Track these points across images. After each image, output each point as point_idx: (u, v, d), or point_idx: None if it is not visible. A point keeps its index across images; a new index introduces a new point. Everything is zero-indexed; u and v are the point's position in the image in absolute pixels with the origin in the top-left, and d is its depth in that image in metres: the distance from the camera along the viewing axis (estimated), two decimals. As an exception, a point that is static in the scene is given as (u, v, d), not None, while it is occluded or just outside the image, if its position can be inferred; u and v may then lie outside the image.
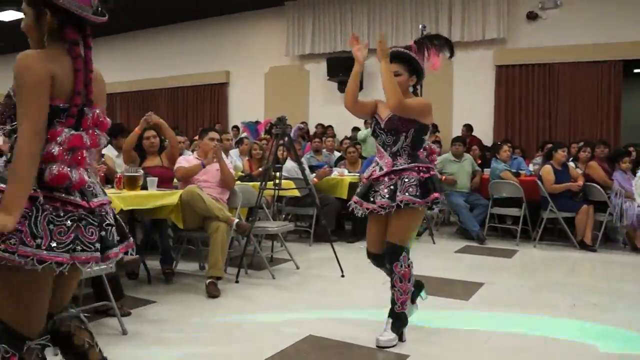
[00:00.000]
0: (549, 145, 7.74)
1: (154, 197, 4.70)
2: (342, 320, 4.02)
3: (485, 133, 11.18)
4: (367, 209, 3.53)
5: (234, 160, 7.30)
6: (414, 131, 3.43)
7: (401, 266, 3.46)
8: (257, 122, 12.47)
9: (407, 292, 3.49)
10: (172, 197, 4.77)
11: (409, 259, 3.50)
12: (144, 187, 4.82)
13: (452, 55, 3.70)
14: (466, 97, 11.53)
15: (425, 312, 4.18)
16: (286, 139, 5.58)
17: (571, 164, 7.40)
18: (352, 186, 7.31)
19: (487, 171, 7.91)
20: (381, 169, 3.51)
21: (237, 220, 4.85)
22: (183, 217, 4.86)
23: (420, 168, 3.44)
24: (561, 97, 10.76)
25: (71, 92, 1.95)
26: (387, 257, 3.53)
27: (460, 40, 11.29)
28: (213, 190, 5.15)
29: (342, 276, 5.27)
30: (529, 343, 3.57)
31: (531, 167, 8.58)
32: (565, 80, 10.69)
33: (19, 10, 13.24)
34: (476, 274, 5.52)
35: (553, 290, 4.95)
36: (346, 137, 10.82)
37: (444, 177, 7.66)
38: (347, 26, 12.53)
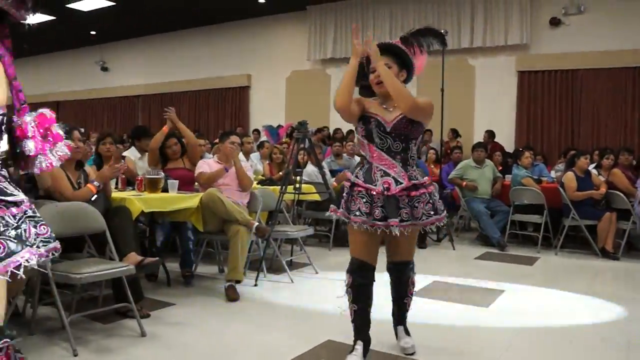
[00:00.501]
0: (572, 152, 7.65)
1: (175, 199, 4.74)
2: (360, 326, 3.99)
3: (507, 139, 11.11)
4: (387, 226, 3.01)
5: (255, 163, 7.33)
6: (417, 135, 3.17)
7: (414, 275, 3.44)
8: (278, 127, 12.50)
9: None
10: (192, 200, 4.80)
11: None
12: (165, 190, 4.86)
13: (444, 46, 3.49)
14: (488, 103, 11.47)
15: (445, 319, 4.17)
16: (307, 143, 5.59)
17: (594, 171, 7.31)
18: (373, 191, 7.30)
19: (508, 177, 7.85)
20: (397, 182, 3.06)
21: (257, 223, 4.86)
22: (203, 220, 4.89)
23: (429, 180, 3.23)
24: (584, 104, 10.67)
25: None
26: (403, 273, 3.39)
27: (482, 45, 11.28)
28: (233, 194, 5.17)
29: (361, 281, 5.24)
30: (551, 352, 3.54)
31: (553, 174, 8.50)
32: (588, 87, 10.61)
33: (43, 13, 13.49)
34: (497, 281, 5.47)
35: (574, 298, 4.90)
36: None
37: (464, 183, 7.64)
38: (369, 31, 12.51)
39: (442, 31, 8.01)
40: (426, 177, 3.21)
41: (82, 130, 4.52)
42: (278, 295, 4.84)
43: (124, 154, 5.86)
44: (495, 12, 11.20)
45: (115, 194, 4.52)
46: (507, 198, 7.54)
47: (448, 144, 10.44)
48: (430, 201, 3.10)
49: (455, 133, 11.16)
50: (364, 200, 3.05)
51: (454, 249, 7.18)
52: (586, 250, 7.02)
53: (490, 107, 11.44)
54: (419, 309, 4.41)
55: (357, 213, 3.04)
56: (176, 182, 4.94)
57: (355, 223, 3.04)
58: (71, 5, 12.98)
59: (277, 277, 5.44)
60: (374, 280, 3.20)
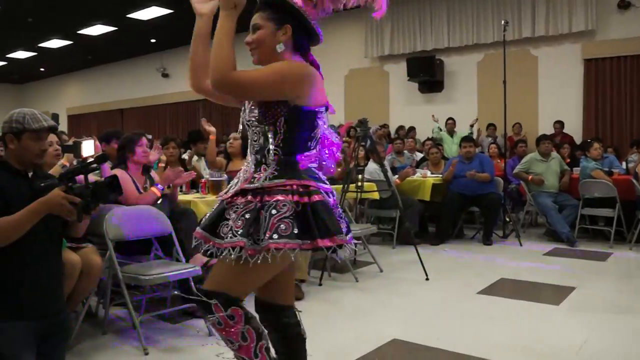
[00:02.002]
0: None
1: (238, 201, 4.79)
2: (427, 324, 3.95)
3: (573, 131, 10.74)
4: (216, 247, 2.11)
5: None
6: (284, 120, 2.08)
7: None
8: (339, 125, 12.52)
9: None
10: (255, 201, 4.84)
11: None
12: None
13: None
14: (552, 94, 11.12)
15: (514, 317, 4.07)
16: (368, 141, 5.57)
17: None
18: (435, 187, 7.24)
19: (576, 170, 7.61)
20: (236, 184, 2.18)
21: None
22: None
23: (294, 187, 2.05)
24: (656, 91, 10.20)
25: None
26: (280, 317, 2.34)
27: (545, 34, 10.96)
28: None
29: (427, 279, 5.19)
30: (626, 352, 3.40)
31: (625, 166, 8.18)
32: (660, 73, 10.13)
33: (106, 24, 13.95)
34: (567, 277, 5.30)
35: (651, 294, 4.70)
36: (428, 138, 10.70)
37: (530, 177, 7.45)
38: (426, 25, 12.41)
39: (502, 22, 7.90)
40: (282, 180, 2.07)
41: (150, 136, 4.65)
42: (342, 294, 4.83)
43: (184, 156, 6.00)
44: (558, -1, 10.84)
45: (181, 197, 4.65)
46: (576, 192, 7.29)
47: (512, 138, 10.21)
48: (245, 217, 2.03)
49: (517, 127, 10.89)
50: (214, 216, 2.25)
51: (521, 245, 7.00)
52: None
53: (555, 98, 11.08)
54: (487, 307, 4.34)
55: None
56: (239, 183, 4.98)
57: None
58: (131, 15, 13.37)
59: (342, 276, 5.44)
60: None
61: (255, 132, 2.14)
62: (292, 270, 2.37)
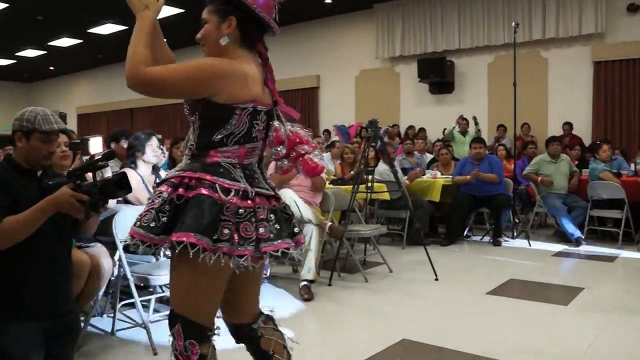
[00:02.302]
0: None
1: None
2: (436, 324, 3.99)
3: (583, 133, 10.75)
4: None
5: (326, 164, 7.39)
6: (198, 115, 2.05)
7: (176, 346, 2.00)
8: (350, 126, 12.57)
9: None
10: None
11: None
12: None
13: None
14: (562, 96, 11.13)
15: (523, 318, 4.10)
16: (378, 142, 5.60)
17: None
18: (445, 188, 7.27)
19: (585, 172, 7.62)
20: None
21: (330, 223, 4.91)
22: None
23: (185, 181, 1.96)
24: (665, 93, 10.21)
25: None
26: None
27: (555, 36, 10.98)
28: (305, 194, 5.23)
29: (436, 279, 5.23)
30: (635, 352, 3.43)
31: (633, 167, 8.18)
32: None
33: (116, 23, 14.02)
34: (575, 278, 5.34)
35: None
36: (438, 139, 10.72)
37: (540, 179, 7.48)
38: (437, 27, 12.41)
39: (513, 24, 7.91)
40: (206, 175, 1.96)
41: (160, 136, 4.68)
42: (352, 294, 4.87)
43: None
44: (569, 1, 10.83)
45: None
46: (584, 193, 7.31)
47: (522, 139, 10.22)
48: (166, 208, 1.93)
49: (526, 128, 10.89)
50: None
51: (530, 245, 7.02)
52: (671, 246, 6.75)
53: (565, 100, 11.09)
54: (496, 307, 4.38)
55: None
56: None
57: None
58: (140, 15, 13.36)
59: (351, 276, 5.48)
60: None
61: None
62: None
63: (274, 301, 4.60)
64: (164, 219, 1.92)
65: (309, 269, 4.70)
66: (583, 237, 7.01)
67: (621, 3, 10.50)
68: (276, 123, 2.13)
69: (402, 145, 9.33)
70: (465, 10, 12.06)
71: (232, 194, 1.94)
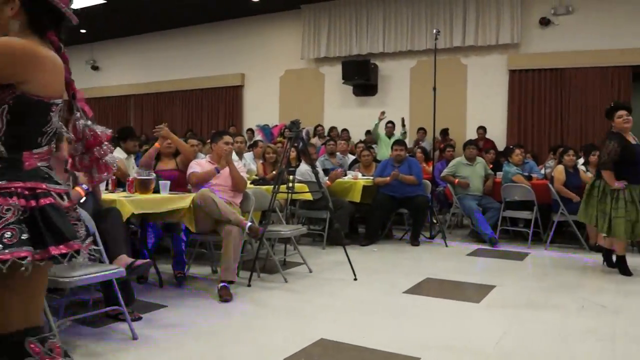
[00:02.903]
0: (561, 149, 7.75)
1: (166, 201, 4.68)
2: (354, 324, 4.03)
3: (498, 137, 11.22)
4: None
5: (248, 163, 7.35)
6: (7, 109, 1.80)
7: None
8: (274, 126, 12.54)
9: None
10: (184, 201, 4.75)
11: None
12: (157, 191, 4.82)
13: None
14: (480, 101, 11.57)
15: (438, 315, 4.21)
16: (300, 142, 5.60)
17: (582, 168, 7.38)
18: (366, 189, 7.37)
19: (499, 175, 7.91)
20: None
21: (249, 223, 4.87)
22: (195, 221, 4.83)
23: (19, 190, 1.77)
24: (572, 102, 10.84)
25: None
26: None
27: (474, 44, 11.40)
28: (226, 194, 5.17)
29: (355, 279, 5.29)
30: (540, 345, 3.58)
31: (543, 171, 8.58)
32: (577, 85, 10.77)
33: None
34: (488, 276, 5.53)
35: (563, 292, 4.95)
36: (360, 141, 10.85)
37: (457, 181, 7.72)
38: (362, 30, 12.59)
39: (434, 31, 8.14)
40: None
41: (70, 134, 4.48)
42: (272, 295, 4.86)
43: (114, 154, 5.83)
44: (487, 12, 11.28)
45: (106, 196, 4.42)
46: (498, 195, 7.61)
47: (440, 142, 10.50)
48: None
49: (444, 132, 11.20)
50: None
51: (446, 245, 7.22)
52: (575, 245, 7.09)
53: (482, 105, 11.53)
54: (412, 305, 4.47)
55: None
56: (168, 182, 4.90)
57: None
58: (62, 3, 12.89)
59: (271, 276, 5.47)
60: None
61: None
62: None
63: (192, 303, 4.54)
64: None
65: (227, 270, 4.65)
66: (497, 237, 7.28)
67: (534, 16, 11.07)
68: (78, 115, 2.07)
69: (324, 146, 9.38)
70: (390, 15, 12.29)
71: None
